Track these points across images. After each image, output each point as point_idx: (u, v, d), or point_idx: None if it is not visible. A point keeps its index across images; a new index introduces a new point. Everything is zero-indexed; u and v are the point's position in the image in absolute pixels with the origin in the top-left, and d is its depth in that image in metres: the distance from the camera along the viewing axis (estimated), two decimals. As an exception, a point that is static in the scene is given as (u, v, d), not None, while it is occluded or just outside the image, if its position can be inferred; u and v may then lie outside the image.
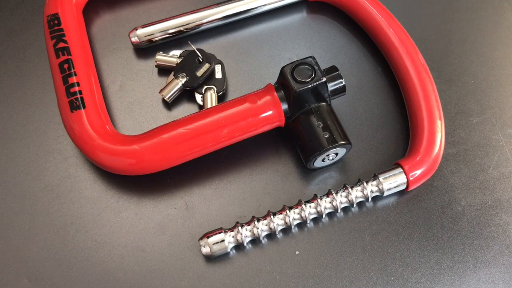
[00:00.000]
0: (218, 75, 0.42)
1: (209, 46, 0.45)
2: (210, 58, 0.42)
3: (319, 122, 0.36)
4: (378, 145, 0.41)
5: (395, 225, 0.37)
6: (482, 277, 0.36)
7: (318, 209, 0.36)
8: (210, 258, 0.36)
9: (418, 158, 0.37)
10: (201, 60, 0.42)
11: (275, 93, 0.37)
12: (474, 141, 0.41)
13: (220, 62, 0.43)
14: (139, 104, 0.42)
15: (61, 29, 0.40)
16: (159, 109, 0.42)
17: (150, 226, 0.37)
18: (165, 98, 0.41)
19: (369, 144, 0.41)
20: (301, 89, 0.35)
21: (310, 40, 0.46)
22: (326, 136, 0.35)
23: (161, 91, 0.41)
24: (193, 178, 0.39)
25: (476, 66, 0.44)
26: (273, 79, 0.38)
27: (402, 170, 0.37)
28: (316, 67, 0.36)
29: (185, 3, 0.47)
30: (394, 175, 0.37)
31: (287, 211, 0.35)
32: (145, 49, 0.44)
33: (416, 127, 0.39)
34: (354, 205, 0.37)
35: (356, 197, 0.36)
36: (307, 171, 0.39)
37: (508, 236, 0.37)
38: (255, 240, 0.36)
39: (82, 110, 0.37)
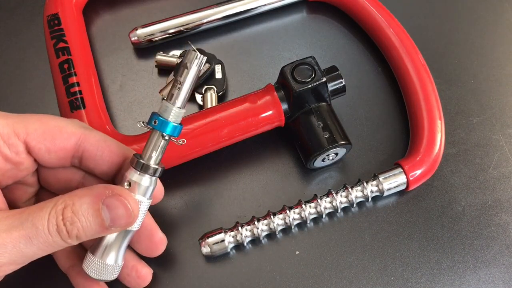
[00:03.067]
0: (218, 75, 0.42)
1: (209, 46, 0.45)
2: (210, 58, 0.42)
3: (319, 122, 0.36)
4: (378, 145, 0.41)
5: (395, 225, 0.37)
6: (482, 277, 0.36)
7: (318, 209, 0.36)
8: (210, 258, 0.36)
9: (418, 158, 0.37)
10: (201, 60, 0.42)
11: (275, 93, 0.37)
12: (474, 141, 0.41)
13: (220, 62, 0.43)
14: (139, 104, 0.42)
15: (61, 29, 0.40)
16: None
17: (150, 226, 0.37)
18: (165, 98, 0.41)
19: (369, 144, 0.41)
20: (301, 89, 0.35)
21: (310, 40, 0.46)
22: (326, 136, 0.35)
23: (161, 91, 0.41)
24: (193, 178, 0.39)
25: (476, 66, 0.44)
26: (273, 79, 0.38)
27: (402, 170, 0.37)
28: (316, 67, 0.36)
29: (185, 3, 0.47)
30: (394, 175, 0.37)
31: (287, 211, 0.36)
32: (145, 49, 0.44)
33: (416, 127, 0.39)
34: (354, 205, 0.37)
35: (356, 197, 0.36)
36: (307, 171, 0.39)
37: (508, 236, 0.37)
38: (255, 240, 0.36)
39: (82, 110, 0.37)
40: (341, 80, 0.37)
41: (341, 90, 0.38)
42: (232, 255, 0.36)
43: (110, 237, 0.28)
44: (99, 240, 0.29)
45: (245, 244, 0.35)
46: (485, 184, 0.39)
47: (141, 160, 0.28)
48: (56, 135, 0.28)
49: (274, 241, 0.37)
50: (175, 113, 0.27)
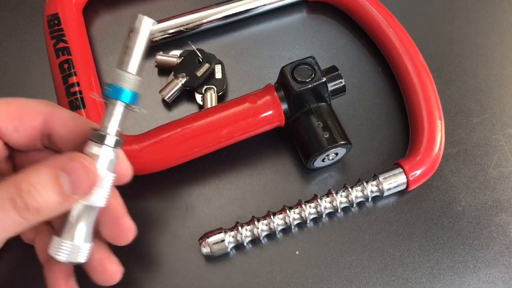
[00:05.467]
0: (218, 75, 0.42)
1: (209, 46, 0.45)
2: (210, 58, 0.42)
3: (319, 122, 0.36)
4: (378, 145, 0.41)
5: (395, 225, 0.37)
6: (482, 277, 0.36)
7: (318, 209, 0.36)
8: (210, 258, 0.36)
9: (418, 158, 0.37)
10: (201, 60, 0.42)
11: (275, 93, 0.37)
12: (474, 141, 0.41)
13: (220, 62, 0.43)
14: (138, 104, 0.42)
15: (61, 29, 0.40)
16: (159, 109, 0.42)
17: (150, 226, 0.37)
18: (165, 98, 0.41)
19: (369, 144, 0.41)
20: (301, 89, 0.35)
21: (310, 40, 0.46)
22: (326, 136, 0.35)
23: (161, 91, 0.41)
24: (193, 178, 0.39)
25: (476, 66, 0.44)
26: (273, 79, 0.38)
27: (402, 170, 0.37)
28: (316, 67, 0.36)
29: (185, 3, 0.47)
30: (394, 175, 0.37)
31: (287, 211, 0.35)
32: (145, 49, 0.44)
33: (416, 127, 0.39)
34: (354, 205, 0.37)
35: (356, 197, 0.36)
36: (307, 171, 0.39)
37: (508, 236, 0.37)
38: (255, 240, 0.36)
39: (82, 110, 0.37)
40: (341, 80, 0.37)
41: (341, 90, 0.38)
42: (232, 255, 0.36)
43: (75, 215, 0.27)
44: (64, 221, 0.27)
45: (245, 244, 0.35)
46: (485, 184, 0.39)
47: (99, 131, 0.27)
48: (22, 114, 0.27)
49: (274, 241, 0.37)
50: (127, 79, 0.26)
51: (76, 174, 0.25)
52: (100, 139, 0.26)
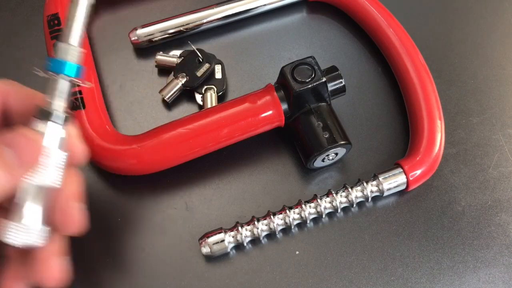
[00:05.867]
0: (218, 75, 0.42)
1: (209, 46, 0.45)
2: (210, 58, 0.42)
3: (319, 122, 0.36)
4: (378, 145, 0.41)
5: (395, 225, 0.37)
6: (482, 277, 0.36)
7: (318, 209, 0.36)
8: (210, 258, 0.36)
9: (418, 158, 0.37)
10: (201, 60, 0.42)
11: (275, 93, 0.37)
12: (474, 141, 0.41)
13: (220, 62, 0.43)
14: (139, 104, 0.42)
15: (61, 29, 0.40)
16: (159, 109, 0.42)
17: (150, 226, 0.37)
18: (165, 98, 0.41)
19: (369, 144, 0.41)
20: (301, 89, 0.35)
21: (310, 40, 0.46)
22: (326, 136, 0.35)
23: (161, 91, 0.41)
24: (193, 178, 0.39)
25: (476, 66, 0.44)
26: (273, 79, 0.38)
27: (402, 170, 0.37)
28: (316, 67, 0.36)
29: (185, 3, 0.47)
30: (394, 175, 0.37)
31: (287, 211, 0.36)
32: (145, 49, 0.44)
33: (416, 127, 0.39)
34: (354, 205, 0.37)
35: (356, 197, 0.36)
36: (307, 171, 0.39)
37: (508, 236, 0.37)
38: (255, 240, 0.36)
39: (82, 110, 0.37)
40: (341, 80, 0.37)
41: (341, 90, 0.38)
42: (232, 255, 0.36)
43: (23, 195, 0.26)
44: (15, 204, 0.26)
45: (245, 244, 0.35)
46: (485, 184, 0.39)
47: (43, 108, 0.25)
48: None
49: (274, 241, 0.37)
50: (69, 51, 0.25)
51: (19, 146, 0.24)
52: (45, 116, 0.25)
